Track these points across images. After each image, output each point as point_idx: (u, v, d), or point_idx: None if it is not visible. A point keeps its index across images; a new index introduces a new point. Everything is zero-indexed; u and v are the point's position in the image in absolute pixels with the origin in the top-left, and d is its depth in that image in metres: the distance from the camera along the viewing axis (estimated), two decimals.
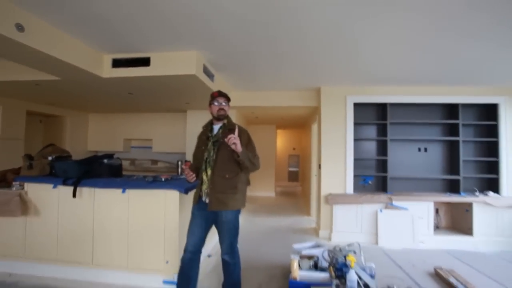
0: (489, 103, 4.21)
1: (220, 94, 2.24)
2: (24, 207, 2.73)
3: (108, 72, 3.12)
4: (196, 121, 5.32)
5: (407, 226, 3.90)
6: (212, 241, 3.47)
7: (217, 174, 2.10)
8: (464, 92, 4.19)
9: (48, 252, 2.77)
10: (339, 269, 2.39)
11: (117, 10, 2.15)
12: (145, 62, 3.03)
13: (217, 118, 2.24)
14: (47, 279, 2.69)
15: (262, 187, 8.02)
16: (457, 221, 4.29)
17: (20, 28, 2.06)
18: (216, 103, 2.21)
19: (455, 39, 2.59)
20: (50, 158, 2.83)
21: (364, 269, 2.44)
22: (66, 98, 4.54)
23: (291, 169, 10.76)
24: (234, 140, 1.92)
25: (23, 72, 3.20)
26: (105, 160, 2.77)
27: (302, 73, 3.74)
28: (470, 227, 3.94)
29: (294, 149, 10.45)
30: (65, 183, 2.65)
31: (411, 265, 3.27)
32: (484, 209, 3.89)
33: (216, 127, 2.27)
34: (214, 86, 3.67)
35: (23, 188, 2.83)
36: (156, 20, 2.32)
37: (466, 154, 4.25)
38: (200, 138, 2.32)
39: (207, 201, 2.12)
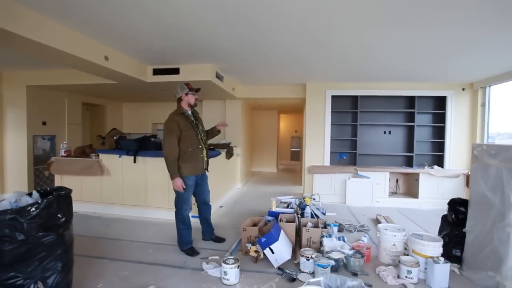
0: (439, 96, 5.33)
1: (194, 87, 2.72)
2: (101, 169, 4.22)
3: (150, 78, 4.48)
4: (210, 108, 6.77)
5: (368, 190, 5.21)
6: (224, 197, 4.92)
7: (207, 146, 2.99)
8: (420, 87, 5.32)
9: (116, 198, 4.28)
10: (302, 208, 3.75)
11: (162, 44, 3.42)
12: (175, 71, 4.36)
13: (192, 106, 2.77)
14: (117, 215, 4.21)
15: (265, 164, 9.42)
16: (410, 188, 5.57)
17: (106, 58, 3.40)
18: (194, 94, 2.75)
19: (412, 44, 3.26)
20: (115, 137, 4.26)
21: (318, 208, 3.80)
22: (113, 93, 5.97)
23: (293, 149, 12.07)
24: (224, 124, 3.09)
25: (90, 78, 4.54)
26: (152, 139, 4.18)
27: (290, 73, 4.95)
28: (417, 192, 5.22)
29: (296, 131, 11.69)
30: (127, 154, 4.09)
31: (363, 214, 4.62)
32: (428, 178, 5.14)
33: (190, 113, 2.87)
34: (224, 85, 4.97)
35: (98, 158, 4.31)
36: (185, 48, 3.55)
37: (420, 136, 5.45)
38: (184, 123, 2.69)
39: (204, 167, 2.92)
